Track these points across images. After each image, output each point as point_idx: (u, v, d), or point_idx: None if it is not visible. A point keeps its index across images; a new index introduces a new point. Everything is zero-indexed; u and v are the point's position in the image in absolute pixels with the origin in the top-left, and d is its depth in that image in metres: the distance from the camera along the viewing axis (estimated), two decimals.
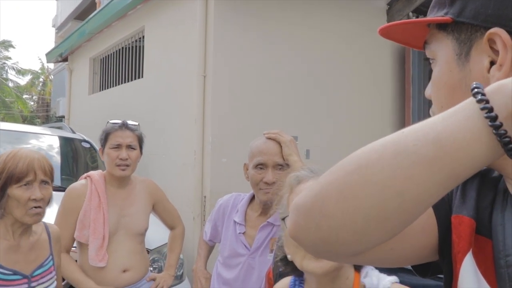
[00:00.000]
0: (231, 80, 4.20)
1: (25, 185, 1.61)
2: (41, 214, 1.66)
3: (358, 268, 1.17)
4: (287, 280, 1.26)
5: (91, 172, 2.39)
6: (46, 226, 1.82)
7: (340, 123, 4.82)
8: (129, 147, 2.33)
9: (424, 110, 5.49)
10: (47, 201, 1.69)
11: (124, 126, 2.37)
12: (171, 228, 2.70)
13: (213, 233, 2.40)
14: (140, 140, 2.43)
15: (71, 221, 2.24)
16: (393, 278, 1.16)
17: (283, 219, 1.16)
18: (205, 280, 2.32)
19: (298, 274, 1.21)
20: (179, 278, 3.25)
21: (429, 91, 0.65)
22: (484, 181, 0.64)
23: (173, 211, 2.69)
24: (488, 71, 0.56)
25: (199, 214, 4.19)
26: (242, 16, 4.24)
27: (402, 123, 5.41)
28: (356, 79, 4.98)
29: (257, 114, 4.29)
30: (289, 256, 1.15)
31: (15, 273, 1.62)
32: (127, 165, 2.31)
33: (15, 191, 1.59)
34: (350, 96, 4.94)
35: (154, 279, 2.49)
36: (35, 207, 1.62)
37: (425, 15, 4.33)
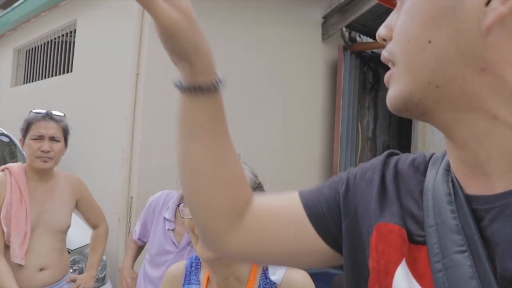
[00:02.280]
0: (165, 80, 4.11)
1: None
2: None
3: None
4: (182, 263, 1.26)
5: (10, 164, 2.25)
6: None
7: (270, 130, 4.88)
8: (52, 139, 2.23)
9: (352, 122, 5.69)
10: None
11: (48, 116, 2.26)
12: (94, 227, 2.60)
13: (143, 231, 2.36)
14: (65, 132, 2.33)
15: None
16: None
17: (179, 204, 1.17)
18: (131, 279, 2.27)
19: None
20: (101, 281, 3.13)
21: (383, 31, 0.56)
22: (404, 182, 0.61)
23: (97, 210, 2.59)
24: (487, 3, 0.46)
25: (125, 215, 4.06)
26: None
27: (332, 134, 5.58)
28: (288, 87, 5.07)
29: None
30: None
31: None
32: (50, 158, 2.20)
33: None
34: (281, 104, 5.01)
35: (74, 281, 2.38)
36: None
37: (357, 31, 4.47)
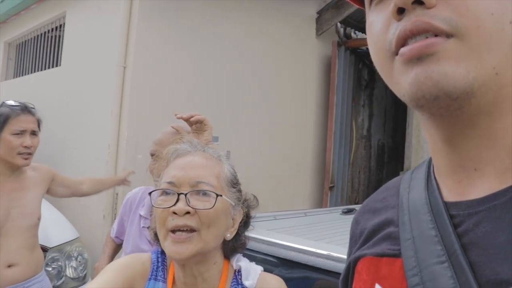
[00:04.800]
0: (152, 74, 4.04)
1: None
2: None
3: (227, 256, 1.12)
4: (147, 255, 1.17)
5: None
6: None
7: (262, 127, 4.81)
8: (33, 133, 2.15)
9: (346, 119, 5.62)
10: None
11: (27, 109, 2.17)
12: (80, 187, 2.59)
13: (120, 229, 2.30)
14: (40, 125, 2.25)
15: None
16: (261, 267, 1.13)
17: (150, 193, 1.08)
18: None
19: None
20: (81, 279, 3.06)
21: None
22: (376, 217, 0.60)
23: (72, 180, 2.57)
24: None
25: (110, 212, 3.98)
26: (169, 8, 4.11)
27: (325, 130, 5.50)
28: (281, 83, 4.99)
29: (177, 110, 4.15)
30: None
31: None
32: (30, 154, 2.12)
33: None
34: (274, 100, 4.93)
35: None
36: None
37: (352, 27, 4.42)
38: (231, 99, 4.51)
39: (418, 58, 0.43)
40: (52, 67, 5.49)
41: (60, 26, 5.39)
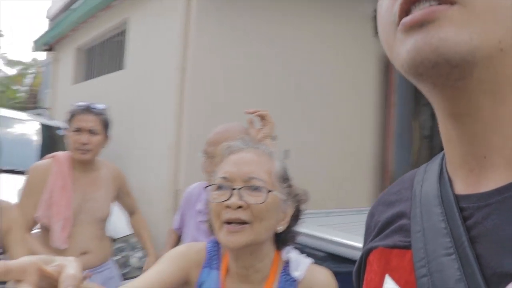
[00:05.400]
0: (210, 75, 4.17)
1: None
2: None
3: (279, 247, 1.16)
4: (202, 244, 1.23)
5: (58, 153, 2.35)
6: None
7: (319, 126, 4.80)
8: (91, 131, 2.27)
9: (407, 119, 5.49)
10: None
11: (88, 109, 2.30)
12: (131, 213, 2.68)
13: (181, 221, 2.39)
14: (105, 125, 2.36)
15: (34, 199, 2.20)
16: (310, 259, 1.16)
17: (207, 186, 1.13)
18: None
19: None
20: (141, 270, 3.21)
21: None
22: (390, 209, 0.60)
23: (133, 198, 2.70)
24: None
25: (172, 208, 4.13)
26: (226, 11, 4.21)
27: (383, 130, 5.41)
28: (338, 83, 4.97)
29: (235, 110, 4.24)
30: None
31: None
32: (87, 150, 2.26)
33: None
34: (331, 100, 4.92)
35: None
36: None
37: None
38: (289, 99, 4.55)
39: (419, 26, 0.42)
40: (117, 70, 5.77)
41: (123, 31, 5.66)
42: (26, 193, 2.20)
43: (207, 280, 1.16)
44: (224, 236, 1.04)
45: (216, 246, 1.21)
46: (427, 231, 0.50)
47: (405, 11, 0.43)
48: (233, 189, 1.05)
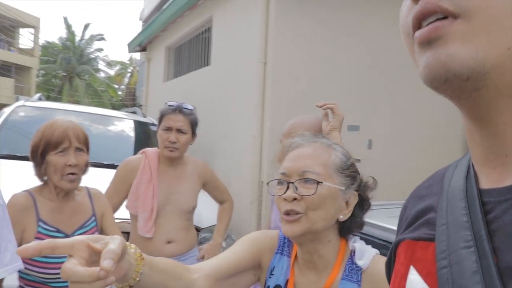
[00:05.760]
0: (291, 67, 4.22)
1: (61, 152, 1.73)
2: (77, 181, 1.79)
3: (344, 235, 1.20)
4: (275, 231, 1.31)
5: (147, 149, 2.52)
6: (88, 189, 1.95)
7: (404, 115, 4.67)
8: (179, 131, 2.40)
9: None
10: (82, 168, 1.80)
11: (178, 109, 2.44)
12: (220, 202, 2.79)
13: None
14: (193, 125, 2.49)
15: (121, 190, 2.38)
16: (376, 250, 1.18)
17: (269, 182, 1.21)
18: None
19: None
20: None
21: None
22: (421, 202, 0.62)
23: (223, 189, 2.77)
24: None
25: (256, 199, 4.26)
26: (304, 3, 4.23)
27: None
28: None
29: (316, 101, 4.26)
30: None
31: (57, 231, 1.77)
32: (176, 148, 2.40)
33: (52, 157, 1.72)
34: (415, 88, 4.74)
35: (203, 257, 2.58)
36: (71, 174, 1.74)
37: None
38: (371, 89, 4.47)
39: (428, 43, 0.44)
40: (203, 66, 6.02)
41: (209, 28, 5.88)
42: (113, 183, 2.41)
43: (278, 265, 1.23)
44: (283, 226, 1.12)
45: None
46: (451, 224, 0.51)
47: (417, 25, 0.46)
48: (289, 183, 1.12)
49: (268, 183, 1.21)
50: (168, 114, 2.42)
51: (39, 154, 1.73)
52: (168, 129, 2.39)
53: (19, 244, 1.65)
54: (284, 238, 1.27)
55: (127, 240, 2.64)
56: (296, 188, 1.11)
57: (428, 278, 0.53)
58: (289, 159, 1.17)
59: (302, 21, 4.23)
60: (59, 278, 1.72)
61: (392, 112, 4.60)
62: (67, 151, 1.74)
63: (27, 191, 1.79)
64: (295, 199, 1.11)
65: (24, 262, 1.60)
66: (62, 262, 0.66)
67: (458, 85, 0.44)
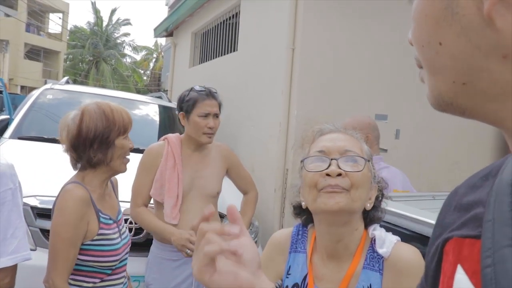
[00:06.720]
0: (319, 54, 4.15)
1: (125, 136, 1.76)
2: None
3: (366, 225, 1.19)
4: (288, 230, 1.29)
5: (169, 135, 2.51)
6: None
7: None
8: (215, 115, 2.42)
9: None
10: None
11: (211, 94, 2.44)
12: (244, 192, 2.76)
13: None
14: (221, 108, 2.51)
15: (149, 178, 2.39)
16: (397, 237, 1.16)
17: (302, 167, 1.18)
18: None
19: (307, 223, 1.25)
20: None
21: (409, 37, 0.55)
22: (471, 195, 0.60)
23: (247, 177, 2.74)
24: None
25: (280, 186, 4.24)
26: None
27: None
28: None
29: (344, 90, 4.20)
30: (303, 204, 1.17)
31: (110, 218, 1.79)
32: (213, 133, 2.41)
33: (121, 141, 1.73)
34: None
35: None
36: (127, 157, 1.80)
37: None
38: (400, 78, 4.37)
39: (421, 79, 0.56)
40: (230, 52, 5.98)
41: (236, 14, 5.83)
42: (141, 172, 2.41)
43: (293, 264, 1.22)
44: (322, 199, 1.08)
45: (302, 229, 1.27)
46: (497, 220, 0.49)
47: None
48: (332, 159, 1.11)
49: (302, 161, 1.17)
50: (203, 100, 2.40)
51: (108, 139, 1.70)
52: (207, 115, 2.38)
53: (84, 237, 1.67)
54: (297, 235, 1.25)
55: (142, 231, 2.65)
56: (339, 165, 1.10)
57: (473, 277, 0.50)
58: (324, 140, 1.17)
59: (332, 7, 4.15)
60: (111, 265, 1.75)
61: (421, 101, 4.47)
62: (127, 135, 1.79)
63: (77, 182, 1.72)
64: (339, 174, 1.09)
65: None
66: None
67: (453, 111, 0.50)
